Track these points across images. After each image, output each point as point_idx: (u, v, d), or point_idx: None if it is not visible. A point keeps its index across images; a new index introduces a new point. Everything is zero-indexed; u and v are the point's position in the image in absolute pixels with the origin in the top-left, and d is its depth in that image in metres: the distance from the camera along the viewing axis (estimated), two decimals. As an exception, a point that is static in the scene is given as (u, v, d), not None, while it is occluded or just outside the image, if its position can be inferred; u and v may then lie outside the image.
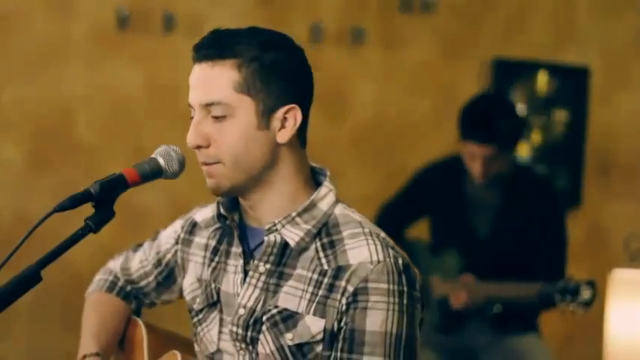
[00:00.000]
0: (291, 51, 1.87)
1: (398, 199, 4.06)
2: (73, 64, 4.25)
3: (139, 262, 2.17)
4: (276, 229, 1.86)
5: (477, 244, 3.85)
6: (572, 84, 4.99)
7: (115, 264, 2.23)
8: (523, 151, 4.92)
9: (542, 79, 4.95)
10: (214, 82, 1.81)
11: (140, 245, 2.20)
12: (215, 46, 1.82)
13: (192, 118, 1.86)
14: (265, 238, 1.87)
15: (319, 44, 4.52)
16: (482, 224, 3.86)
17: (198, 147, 1.84)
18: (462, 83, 4.83)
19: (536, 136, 4.96)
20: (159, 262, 2.13)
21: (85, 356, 2.05)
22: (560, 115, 5.00)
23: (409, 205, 4.04)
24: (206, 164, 1.85)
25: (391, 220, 4.03)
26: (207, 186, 1.88)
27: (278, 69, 1.83)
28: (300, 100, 1.86)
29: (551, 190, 4.12)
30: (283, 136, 1.85)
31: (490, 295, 3.75)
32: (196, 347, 2.03)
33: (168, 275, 2.13)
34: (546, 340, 4.03)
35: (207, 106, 1.82)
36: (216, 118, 1.82)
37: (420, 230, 4.13)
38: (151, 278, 2.16)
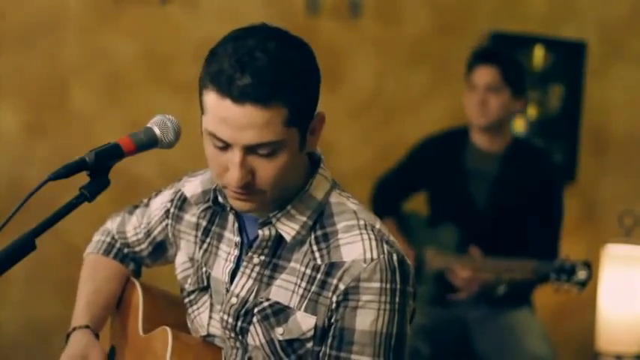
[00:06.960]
0: (317, 71, 1.81)
1: (397, 171, 4.06)
2: (69, 33, 4.24)
3: (133, 228, 2.18)
4: (271, 222, 1.84)
5: (475, 216, 3.86)
6: (569, 58, 4.97)
7: (112, 225, 2.24)
8: (519, 126, 4.91)
9: (539, 54, 4.94)
10: (266, 124, 1.70)
11: (136, 207, 2.20)
12: (260, 88, 1.69)
13: (219, 147, 1.75)
14: (260, 232, 1.86)
15: (316, 16, 4.50)
16: (480, 196, 3.86)
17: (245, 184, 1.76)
18: (458, 57, 4.81)
19: (531, 111, 4.96)
20: (149, 233, 2.14)
21: (74, 329, 2.05)
22: (556, 90, 4.99)
23: (408, 177, 4.05)
24: (247, 194, 1.78)
25: (390, 192, 4.04)
26: (234, 204, 1.83)
27: (314, 97, 1.79)
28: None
29: (550, 163, 4.13)
30: (312, 144, 1.84)
31: (494, 271, 3.74)
32: (189, 324, 2.04)
33: (159, 246, 2.14)
34: (538, 314, 4.04)
35: (256, 145, 1.73)
36: (263, 153, 1.74)
37: (417, 204, 4.13)
38: (144, 246, 2.17)
